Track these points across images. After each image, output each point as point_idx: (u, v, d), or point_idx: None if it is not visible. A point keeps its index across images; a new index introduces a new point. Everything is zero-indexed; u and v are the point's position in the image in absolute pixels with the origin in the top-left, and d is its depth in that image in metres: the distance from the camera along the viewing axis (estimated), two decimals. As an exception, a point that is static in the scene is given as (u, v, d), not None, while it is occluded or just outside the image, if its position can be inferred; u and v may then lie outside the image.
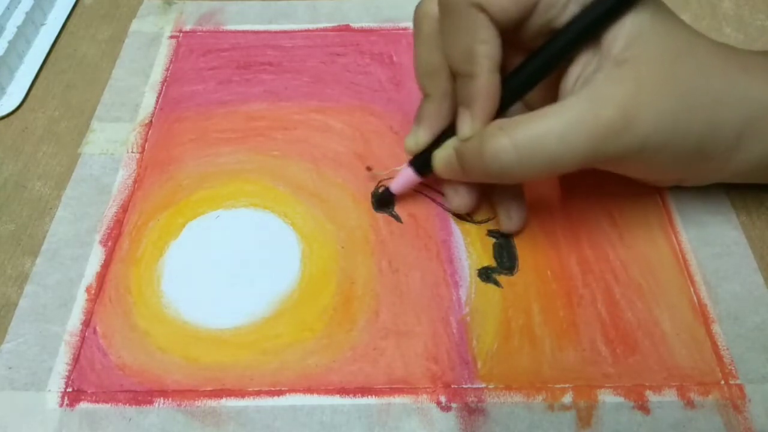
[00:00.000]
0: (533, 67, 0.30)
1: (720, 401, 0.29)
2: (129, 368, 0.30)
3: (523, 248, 0.34)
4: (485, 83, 0.29)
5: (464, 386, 0.29)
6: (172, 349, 0.31)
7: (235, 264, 0.34)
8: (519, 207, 0.33)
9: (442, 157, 0.32)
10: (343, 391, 0.29)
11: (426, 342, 0.31)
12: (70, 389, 0.30)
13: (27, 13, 0.45)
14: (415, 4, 0.47)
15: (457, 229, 0.35)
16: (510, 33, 0.29)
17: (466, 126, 0.30)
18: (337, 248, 0.34)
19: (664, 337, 0.31)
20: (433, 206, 0.36)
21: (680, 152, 0.29)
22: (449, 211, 0.35)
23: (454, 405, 0.29)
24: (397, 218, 0.35)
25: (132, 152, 0.39)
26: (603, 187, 0.36)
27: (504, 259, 0.34)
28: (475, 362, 0.30)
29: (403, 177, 0.34)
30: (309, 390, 0.30)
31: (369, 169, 0.37)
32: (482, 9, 0.28)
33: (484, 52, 0.28)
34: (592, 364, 0.30)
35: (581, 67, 0.29)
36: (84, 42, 0.46)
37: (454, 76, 0.30)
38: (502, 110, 0.30)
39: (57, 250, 0.34)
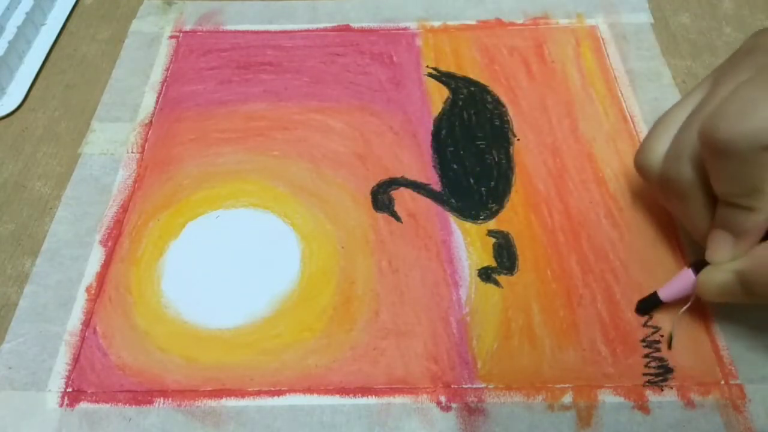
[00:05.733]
0: None
1: (720, 401, 0.29)
2: (129, 368, 0.30)
3: (523, 248, 0.34)
4: (765, 219, 0.27)
5: (464, 386, 0.29)
6: (172, 349, 0.31)
7: (235, 264, 0.34)
8: None
9: (718, 279, 0.29)
10: (343, 391, 0.29)
11: (426, 342, 0.31)
12: (70, 389, 0.30)
13: (27, 13, 0.45)
14: (415, 4, 0.47)
15: (457, 229, 0.35)
16: None
17: (725, 250, 0.29)
18: (337, 248, 0.34)
19: (664, 338, 0.31)
20: (433, 206, 0.36)
21: None
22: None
23: (454, 405, 0.29)
24: (397, 218, 0.35)
25: (132, 152, 0.39)
26: (603, 187, 0.36)
27: (504, 259, 0.34)
28: (475, 362, 0.30)
29: (682, 282, 0.30)
30: (309, 390, 0.30)
31: None
32: None
33: None
34: (592, 364, 0.30)
35: None
36: (84, 42, 0.46)
37: (722, 201, 0.28)
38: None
39: (57, 250, 0.34)
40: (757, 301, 0.28)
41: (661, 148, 0.31)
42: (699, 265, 0.30)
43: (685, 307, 0.30)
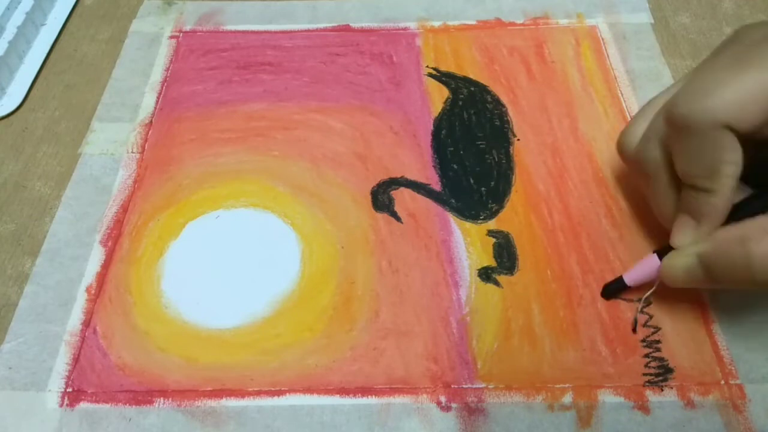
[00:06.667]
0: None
1: (720, 401, 0.29)
2: (129, 368, 0.30)
3: (523, 248, 0.34)
4: (724, 201, 0.28)
5: (464, 386, 0.29)
6: (172, 349, 0.31)
7: (235, 264, 0.34)
8: None
9: (680, 263, 0.29)
10: (343, 391, 0.29)
11: (426, 342, 0.31)
12: (70, 389, 0.30)
13: (27, 14, 0.45)
14: (416, 4, 0.47)
15: (457, 229, 0.35)
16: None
17: (687, 234, 0.29)
18: (337, 248, 0.34)
19: (664, 337, 0.31)
20: (433, 206, 0.36)
21: None
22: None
23: (454, 405, 0.29)
24: (397, 218, 0.35)
25: (132, 152, 0.39)
26: (603, 187, 0.36)
27: (504, 259, 0.34)
28: (475, 362, 0.30)
29: (647, 267, 0.31)
30: (309, 390, 0.30)
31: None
32: (732, 129, 0.26)
33: (730, 173, 0.27)
34: (592, 364, 0.30)
35: None
36: (84, 42, 0.46)
37: (686, 184, 0.29)
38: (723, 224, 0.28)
39: (57, 250, 0.34)
40: (718, 286, 0.29)
41: (638, 130, 0.31)
42: (665, 250, 0.30)
43: (650, 292, 0.31)
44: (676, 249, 0.29)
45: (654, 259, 0.30)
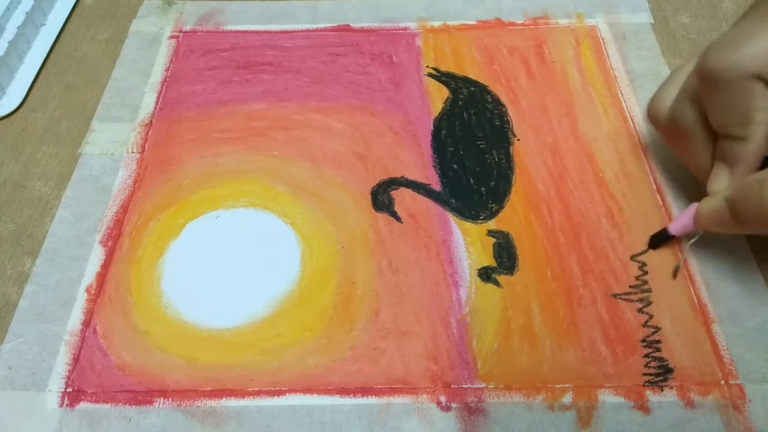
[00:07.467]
0: None
1: (720, 401, 0.29)
2: (129, 368, 0.30)
3: (523, 248, 0.34)
4: (757, 148, 0.29)
5: (464, 386, 0.29)
6: (172, 349, 0.31)
7: (235, 264, 0.34)
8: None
9: (709, 206, 0.31)
10: (343, 391, 0.29)
11: (426, 342, 0.31)
12: (70, 389, 0.30)
13: (27, 14, 0.45)
14: (416, 4, 0.47)
15: (457, 229, 0.35)
16: None
17: (722, 180, 0.31)
18: (337, 248, 0.34)
19: (664, 337, 0.31)
20: (433, 206, 0.36)
21: None
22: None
23: (454, 405, 0.29)
24: (397, 218, 0.35)
25: (132, 152, 0.39)
26: (603, 187, 0.36)
27: (504, 259, 0.34)
28: (475, 362, 0.30)
29: (689, 215, 0.32)
30: (309, 390, 0.30)
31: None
32: (761, 79, 0.28)
33: (762, 119, 0.29)
34: (592, 364, 0.30)
35: None
36: (84, 42, 0.46)
37: (719, 134, 0.30)
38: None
39: (57, 250, 0.34)
40: (745, 230, 0.30)
41: (669, 95, 0.33)
42: None
43: (693, 240, 0.32)
44: (710, 194, 0.31)
45: (694, 206, 0.32)
